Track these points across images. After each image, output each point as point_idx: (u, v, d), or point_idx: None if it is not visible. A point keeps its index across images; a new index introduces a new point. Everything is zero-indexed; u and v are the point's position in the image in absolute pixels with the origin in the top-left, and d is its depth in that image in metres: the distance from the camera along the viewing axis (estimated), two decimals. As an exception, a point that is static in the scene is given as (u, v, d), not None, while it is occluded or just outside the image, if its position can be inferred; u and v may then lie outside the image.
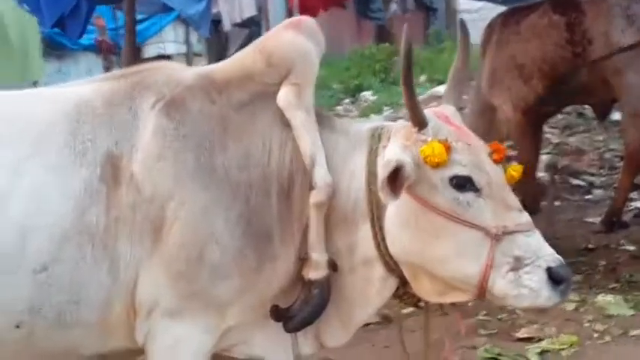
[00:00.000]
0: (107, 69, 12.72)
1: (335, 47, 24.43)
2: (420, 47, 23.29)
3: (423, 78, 19.13)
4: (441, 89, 14.81)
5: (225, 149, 3.27)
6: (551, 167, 9.90)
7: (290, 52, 3.37)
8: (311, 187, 3.26)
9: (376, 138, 3.33)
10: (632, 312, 6.19)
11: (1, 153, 3.18)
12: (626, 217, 8.65)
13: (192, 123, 3.28)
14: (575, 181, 10.59)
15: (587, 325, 6.01)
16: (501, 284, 3.09)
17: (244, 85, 3.37)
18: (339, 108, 18.84)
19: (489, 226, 3.08)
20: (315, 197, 3.25)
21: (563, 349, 5.56)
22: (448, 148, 3.10)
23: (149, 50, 14.53)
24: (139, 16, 13.37)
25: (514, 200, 3.15)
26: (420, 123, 3.17)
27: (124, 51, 6.29)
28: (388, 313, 6.63)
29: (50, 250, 3.13)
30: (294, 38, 3.39)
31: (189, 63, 15.74)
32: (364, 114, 16.47)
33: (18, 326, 3.16)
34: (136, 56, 14.25)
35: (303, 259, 3.31)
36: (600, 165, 11.18)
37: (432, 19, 27.54)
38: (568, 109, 11.55)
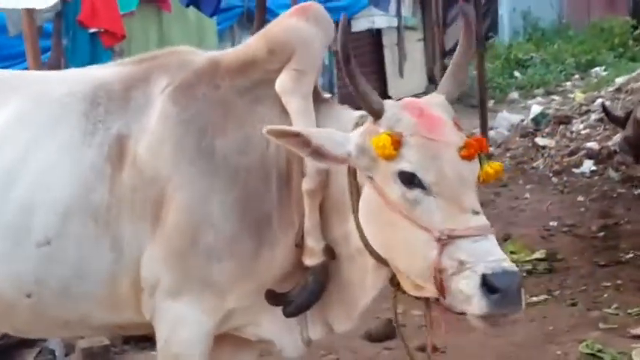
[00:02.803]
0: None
1: (579, 19, 23.58)
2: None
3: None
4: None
5: (226, 134, 3.31)
6: None
7: (291, 38, 3.36)
8: (304, 174, 3.25)
9: (360, 126, 3.24)
10: None
11: (21, 130, 3.41)
12: None
13: (196, 108, 3.35)
14: None
15: None
16: (447, 287, 2.89)
17: (248, 71, 3.40)
18: (568, 84, 18.27)
19: (435, 229, 2.89)
20: (305, 184, 3.24)
21: (670, 352, 5.20)
22: (397, 142, 2.94)
23: (358, 24, 14.49)
24: (349, -10, 13.57)
25: (470, 202, 2.93)
26: (372, 113, 3.06)
27: (254, 25, 6.38)
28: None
29: (54, 225, 3.30)
30: (297, 24, 3.38)
31: (400, 37, 15.71)
32: (589, 91, 15.84)
33: (29, 296, 3.37)
34: (345, 29, 14.42)
35: (298, 246, 3.31)
36: None
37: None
38: None
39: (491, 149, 11.91)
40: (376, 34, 15.44)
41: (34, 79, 3.66)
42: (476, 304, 2.81)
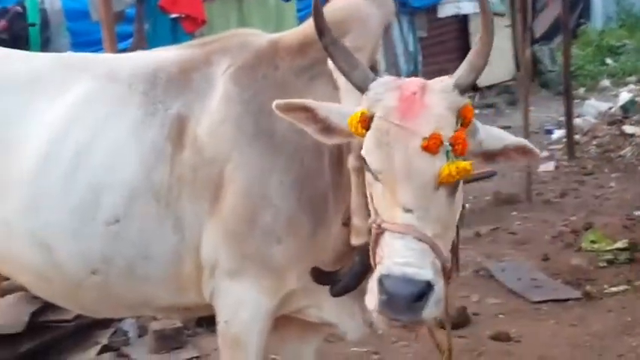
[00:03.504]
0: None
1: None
2: None
3: None
4: None
5: None
6: None
7: (346, 16, 3.32)
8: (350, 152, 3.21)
9: None
10: None
11: (87, 112, 3.47)
12: None
13: (255, 88, 3.37)
14: None
15: None
16: None
17: (305, 50, 3.40)
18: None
19: (373, 216, 2.88)
20: (351, 162, 3.20)
21: None
22: (364, 122, 2.87)
23: (445, 10, 14.33)
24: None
25: (406, 198, 2.78)
26: (357, 88, 2.97)
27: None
28: (590, 289, 6.34)
29: (122, 205, 3.36)
30: (355, 2, 3.35)
31: (487, 23, 15.44)
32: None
33: (94, 273, 3.43)
34: (430, 16, 14.35)
35: (345, 224, 3.27)
36: None
37: None
38: None
39: (577, 137, 11.69)
40: (462, 20, 15.21)
41: (100, 62, 3.70)
42: (370, 299, 2.78)
